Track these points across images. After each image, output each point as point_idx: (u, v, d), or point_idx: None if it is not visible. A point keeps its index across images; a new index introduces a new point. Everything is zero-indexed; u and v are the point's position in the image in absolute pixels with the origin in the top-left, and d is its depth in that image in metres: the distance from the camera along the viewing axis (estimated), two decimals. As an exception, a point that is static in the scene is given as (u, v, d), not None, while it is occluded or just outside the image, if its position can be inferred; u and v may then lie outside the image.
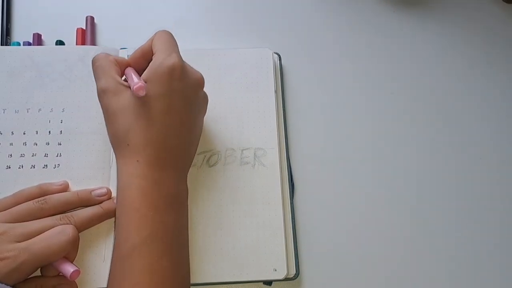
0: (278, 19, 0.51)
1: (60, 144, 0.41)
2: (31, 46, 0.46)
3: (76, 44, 0.47)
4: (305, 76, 0.48)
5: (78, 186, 0.39)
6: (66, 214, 0.37)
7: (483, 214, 0.44)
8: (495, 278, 0.41)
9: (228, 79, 0.45)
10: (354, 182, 0.44)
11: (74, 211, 0.37)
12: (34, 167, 0.40)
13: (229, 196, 0.40)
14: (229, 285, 0.39)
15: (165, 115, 0.35)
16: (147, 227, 0.32)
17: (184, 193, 0.37)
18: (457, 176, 0.45)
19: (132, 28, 0.49)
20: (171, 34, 0.37)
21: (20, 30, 0.48)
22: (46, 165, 0.40)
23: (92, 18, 0.49)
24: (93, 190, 0.39)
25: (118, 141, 0.35)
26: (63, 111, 0.42)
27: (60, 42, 0.47)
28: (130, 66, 0.38)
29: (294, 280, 0.39)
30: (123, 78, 0.38)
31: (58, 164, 0.40)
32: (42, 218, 0.36)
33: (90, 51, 0.45)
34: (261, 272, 0.38)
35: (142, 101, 0.34)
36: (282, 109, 0.45)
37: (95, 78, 0.37)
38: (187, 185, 0.38)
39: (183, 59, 0.36)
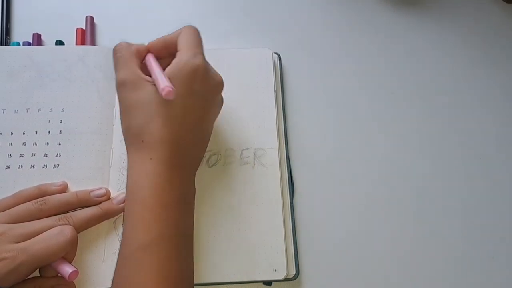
0: (278, 19, 0.51)
1: (59, 144, 0.41)
2: (31, 46, 0.46)
3: (76, 44, 0.47)
4: (305, 76, 0.48)
5: (77, 186, 0.39)
6: (65, 214, 0.36)
7: (483, 213, 0.44)
8: (496, 278, 0.41)
9: (228, 79, 0.44)
10: (354, 182, 0.44)
11: (73, 212, 0.37)
12: (33, 167, 0.40)
13: (229, 196, 0.40)
14: (229, 285, 0.39)
15: (183, 115, 0.35)
16: (157, 226, 0.32)
17: (192, 192, 0.37)
18: (457, 175, 0.45)
19: (132, 28, 0.49)
20: (198, 32, 0.37)
21: (20, 30, 0.48)
22: (46, 165, 0.40)
23: (92, 18, 0.49)
24: (92, 190, 0.38)
25: (132, 136, 0.35)
26: (62, 111, 0.42)
27: (60, 42, 0.47)
28: (150, 52, 0.37)
29: (294, 280, 0.39)
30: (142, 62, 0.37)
31: (58, 164, 0.40)
32: (41, 218, 0.36)
33: (89, 51, 0.45)
34: (261, 272, 0.38)
35: (162, 99, 0.34)
36: (282, 109, 0.45)
37: (115, 68, 0.37)
38: (195, 185, 0.38)
39: None
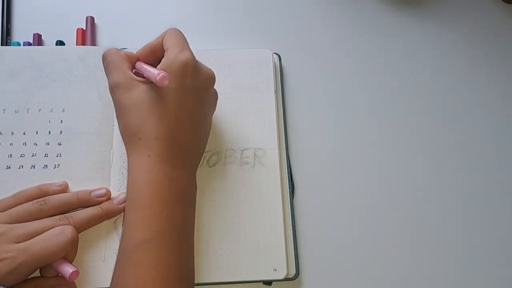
0: (278, 19, 0.51)
1: (60, 144, 0.41)
2: (31, 46, 0.46)
3: (76, 44, 0.47)
4: (305, 76, 0.48)
5: (78, 186, 0.39)
6: (65, 215, 0.37)
7: (483, 213, 0.44)
8: (496, 278, 0.41)
9: (228, 79, 0.45)
10: (354, 182, 0.44)
11: (74, 212, 0.37)
12: (34, 167, 0.40)
13: (229, 196, 0.40)
14: (229, 285, 0.39)
15: (176, 110, 0.35)
16: (156, 223, 0.32)
17: (193, 190, 0.37)
18: (456, 175, 0.45)
19: (132, 28, 0.49)
20: (181, 32, 0.37)
21: (20, 30, 0.48)
22: (46, 165, 0.40)
23: (92, 18, 0.49)
24: (93, 191, 0.39)
25: (129, 135, 0.35)
26: (63, 111, 0.42)
27: (60, 42, 0.47)
28: (139, 61, 0.38)
29: (294, 280, 0.39)
30: (134, 71, 0.38)
31: (58, 164, 0.40)
32: (41, 219, 0.36)
33: (90, 51, 0.45)
34: (261, 272, 0.38)
35: (155, 96, 0.35)
36: (282, 109, 0.45)
37: (106, 73, 0.37)
38: (196, 183, 0.38)
39: None
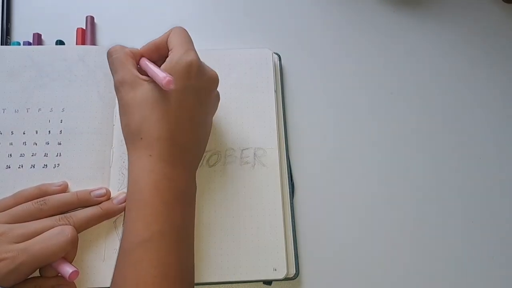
0: (278, 19, 0.51)
1: (60, 144, 0.41)
2: (31, 46, 0.46)
3: (76, 44, 0.47)
4: (305, 76, 0.48)
5: (77, 186, 0.39)
6: (65, 214, 0.37)
7: (483, 213, 0.44)
8: (496, 278, 0.41)
9: (228, 79, 0.45)
10: (354, 182, 0.44)
11: (73, 212, 0.37)
12: (34, 166, 0.40)
13: (229, 196, 0.40)
14: (229, 284, 0.39)
15: (178, 110, 0.35)
16: (156, 222, 0.32)
17: (193, 190, 0.37)
18: (456, 175, 0.45)
19: (132, 28, 0.49)
20: (187, 31, 0.37)
21: (20, 30, 0.48)
22: (46, 165, 0.40)
23: (92, 18, 0.49)
24: (92, 190, 0.38)
25: (131, 134, 0.35)
26: (63, 110, 0.42)
27: (60, 42, 0.47)
28: (143, 57, 0.38)
29: (294, 280, 0.39)
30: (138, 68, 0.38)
31: (58, 164, 0.40)
32: (41, 218, 0.36)
33: (90, 51, 0.45)
34: (261, 272, 0.38)
35: (158, 96, 0.34)
36: (282, 109, 0.45)
37: (111, 70, 0.37)
38: (195, 183, 0.38)
39: None
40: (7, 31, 0.48)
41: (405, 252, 0.42)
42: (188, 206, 0.36)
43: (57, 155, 0.41)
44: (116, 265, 0.33)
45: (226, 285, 0.39)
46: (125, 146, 0.36)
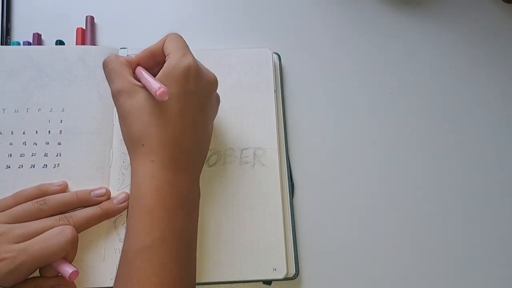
0: (278, 19, 0.51)
1: (59, 144, 0.41)
2: (31, 46, 0.46)
3: (76, 44, 0.47)
4: (304, 76, 0.48)
5: (77, 186, 0.39)
6: (65, 214, 0.37)
7: (483, 213, 0.44)
8: (496, 278, 0.41)
9: (228, 79, 0.45)
10: (353, 181, 0.44)
11: (73, 212, 0.37)
12: (33, 166, 0.40)
13: (229, 196, 0.40)
14: (229, 284, 0.39)
15: (179, 115, 0.35)
16: (158, 229, 0.32)
17: (196, 196, 0.37)
18: (456, 175, 0.45)
19: (132, 28, 0.49)
20: (182, 37, 0.37)
21: (20, 30, 0.48)
22: (46, 165, 0.40)
23: (92, 18, 0.49)
24: (92, 190, 0.38)
25: (132, 141, 0.35)
26: (62, 110, 0.42)
27: (60, 42, 0.47)
28: (139, 65, 0.38)
29: (294, 280, 0.39)
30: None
31: (58, 164, 0.40)
32: (41, 218, 0.36)
33: (90, 51, 0.45)
34: (261, 272, 0.38)
35: (157, 102, 0.34)
36: (281, 108, 0.45)
37: (108, 80, 0.37)
38: (199, 188, 0.38)
39: None
40: (7, 31, 0.48)
41: (405, 252, 0.42)
42: (190, 212, 0.36)
43: (57, 155, 0.41)
44: (117, 272, 0.33)
45: (226, 285, 0.39)
46: (125, 146, 0.37)
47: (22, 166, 0.40)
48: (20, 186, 0.38)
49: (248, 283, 0.39)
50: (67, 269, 0.34)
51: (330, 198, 0.43)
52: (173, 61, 0.35)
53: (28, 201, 0.37)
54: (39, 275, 0.35)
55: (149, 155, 0.34)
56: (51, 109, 0.42)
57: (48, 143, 0.41)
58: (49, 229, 0.34)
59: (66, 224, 0.35)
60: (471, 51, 0.51)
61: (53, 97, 0.43)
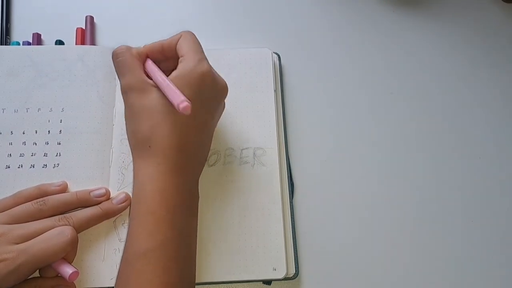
0: (278, 19, 0.51)
1: (59, 143, 0.41)
2: (31, 46, 0.46)
3: (76, 44, 0.47)
4: (304, 76, 0.48)
5: (77, 185, 0.39)
6: (65, 215, 0.36)
7: (483, 213, 0.44)
8: (496, 278, 0.41)
9: (228, 79, 0.44)
10: (353, 181, 0.44)
11: (73, 212, 0.37)
12: (33, 166, 0.40)
13: (229, 195, 0.40)
14: (228, 284, 0.39)
15: (190, 121, 0.35)
16: (160, 231, 0.32)
17: (196, 199, 0.37)
18: (456, 175, 0.45)
19: (132, 28, 0.49)
20: (196, 37, 0.37)
21: (20, 30, 0.48)
22: (46, 165, 0.40)
23: (91, 17, 0.49)
24: (92, 190, 0.38)
25: (138, 142, 0.35)
26: (62, 110, 0.42)
27: (59, 42, 0.47)
28: (148, 57, 0.37)
29: (294, 280, 0.39)
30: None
31: (58, 164, 0.40)
32: (41, 219, 0.36)
33: (89, 51, 0.45)
34: (261, 272, 0.38)
35: (168, 104, 0.34)
36: (281, 108, 0.45)
37: (117, 73, 0.36)
38: (198, 192, 0.38)
39: None
40: (7, 31, 0.48)
41: (405, 252, 0.42)
42: (191, 213, 0.36)
43: (56, 155, 0.41)
44: (118, 274, 0.33)
45: (226, 285, 0.39)
46: (125, 146, 0.36)
47: (21, 166, 0.40)
48: (19, 186, 0.38)
49: (248, 283, 0.39)
50: (67, 270, 0.34)
51: (330, 198, 0.43)
52: (189, 65, 0.34)
53: (28, 202, 0.37)
54: (39, 275, 0.35)
55: (156, 157, 0.34)
56: (51, 109, 0.42)
57: (48, 143, 0.41)
58: (49, 230, 0.34)
59: (66, 225, 0.35)
60: (471, 51, 0.51)
61: (53, 97, 0.43)
